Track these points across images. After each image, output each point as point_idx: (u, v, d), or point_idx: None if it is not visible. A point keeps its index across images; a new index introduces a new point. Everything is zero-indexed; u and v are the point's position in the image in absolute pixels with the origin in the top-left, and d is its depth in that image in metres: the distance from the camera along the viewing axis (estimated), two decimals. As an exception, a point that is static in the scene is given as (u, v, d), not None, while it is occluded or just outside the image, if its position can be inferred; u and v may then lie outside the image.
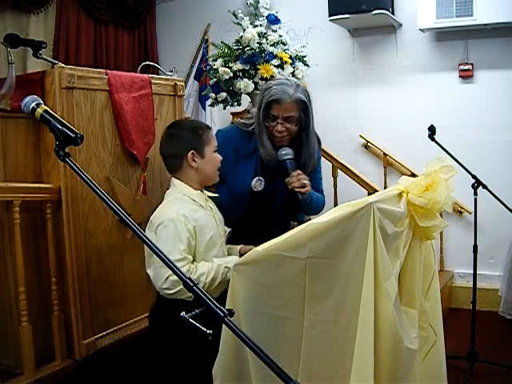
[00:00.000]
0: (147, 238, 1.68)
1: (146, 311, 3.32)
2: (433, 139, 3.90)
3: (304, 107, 2.76)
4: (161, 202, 2.63)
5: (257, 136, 2.81)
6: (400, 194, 2.50)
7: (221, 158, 2.65)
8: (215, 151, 2.61)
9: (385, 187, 5.62)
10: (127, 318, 3.24)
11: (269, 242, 2.48)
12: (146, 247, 2.50)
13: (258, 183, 2.84)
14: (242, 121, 2.99)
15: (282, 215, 2.95)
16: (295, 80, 2.85)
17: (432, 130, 3.91)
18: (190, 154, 2.54)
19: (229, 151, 2.80)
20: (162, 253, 1.65)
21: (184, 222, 2.46)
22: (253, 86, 4.79)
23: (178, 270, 1.61)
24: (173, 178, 2.64)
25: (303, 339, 2.41)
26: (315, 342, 2.40)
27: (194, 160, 2.54)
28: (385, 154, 6.03)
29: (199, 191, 2.64)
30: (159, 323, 2.61)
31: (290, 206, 2.90)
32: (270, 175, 2.84)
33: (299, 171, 2.72)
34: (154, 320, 2.69)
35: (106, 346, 3.08)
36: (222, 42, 4.96)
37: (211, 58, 5.14)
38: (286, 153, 2.75)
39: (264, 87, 2.79)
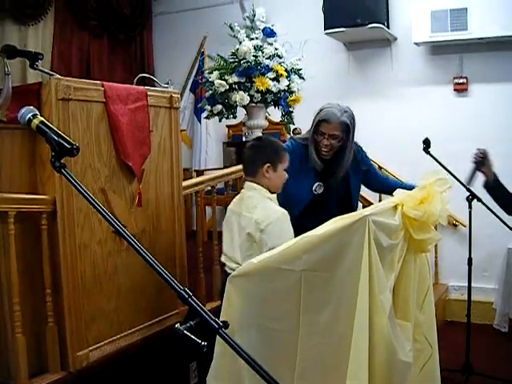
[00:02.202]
0: (142, 250, 1.67)
1: (140, 323, 3.32)
2: (427, 152, 3.92)
3: (346, 129, 3.29)
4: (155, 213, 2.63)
5: (309, 147, 3.39)
6: (395, 206, 2.51)
7: (287, 176, 3.06)
8: (285, 169, 3.03)
9: (380, 200, 5.62)
10: (121, 330, 3.22)
11: (264, 254, 2.48)
12: (224, 237, 3.07)
13: (318, 187, 3.44)
14: (299, 137, 3.60)
15: (333, 210, 3.34)
16: (346, 106, 3.34)
17: (427, 143, 3.92)
18: (266, 165, 2.96)
19: (294, 162, 3.24)
20: (157, 265, 1.64)
21: (288, 217, 2.89)
22: (248, 98, 4.81)
23: (174, 282, 1.61)
24: (250, 183, 3.02)
25: (298, 351, 2.41)
26: (310, 355, 2.40)
27: (267, 171, 2.97)
28: (380, 167, 6.04)
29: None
30: None
31: (340, 203, 3.50)
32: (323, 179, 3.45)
33: None
34: None
35: (99, 358, 3.06)
36: (217, 55, 4.97)
37: (207, 71, 5.16)
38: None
39: (319, 108, 3.33)
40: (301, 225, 2.93)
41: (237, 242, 2.95)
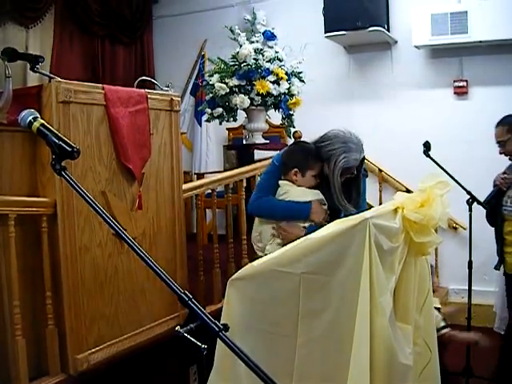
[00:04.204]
0: (142, 252, 1.67)
1: (140, 326, 3.32)
2: (428, 155, 3.92)
3: (362, 162, 3.23)
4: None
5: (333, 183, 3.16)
6: (395, 209, 2.50)
7: (318, 181, 3.15)
8: (314, 175, 3.13)
9: (380, 203, 5.63)
10: (122, 332, 3.22)
11: (265, 257, 2.48)
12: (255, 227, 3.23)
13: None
14: None
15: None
16: (355, 135, 3.18)
17: (427, 146, 3.92)
18: (294, 170, 3.13)
19: None
20: (157, 267, 1.64)
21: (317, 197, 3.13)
22: (249, 101, 4.81)
23: (174, 285, 1.61)
24: (284, 181, 3.19)
25: (296, 357, 2.40)
26: (308, 360, 2.39)
27: (295, 175, 3.14)
28: (380, 170, 6.05)
29: None
30: None
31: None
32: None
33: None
34: None
35: (100, 360, 3.06)
36: (218, 58, 4.98)
37: (207, 74, 5.17)
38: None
39: (340, 149, 3.08)
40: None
41: None
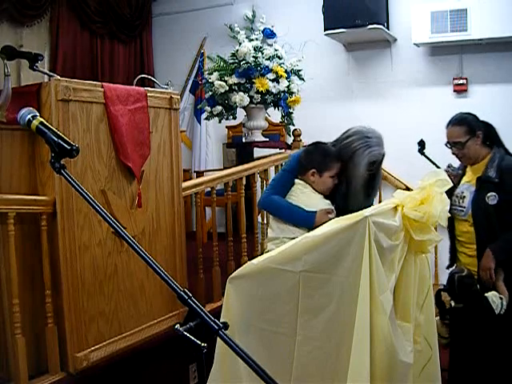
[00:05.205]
0: (142, 251, 1.67)
1: (139, 324, 3.32)
2: (422, 153, 3.91)
3: (383, 158, 3.24)
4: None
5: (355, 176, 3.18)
6: (395, 207, 2.51)
7: (336, 182, 3.14)
8: (332, 176, 3.12)
9: (379, 201, 5.62)
10: (121, 330, 3.22)
11: (264, 255, 2.48)
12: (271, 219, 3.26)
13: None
14: None
15: None
16: (380, 134, 3.27)
17: (422, 145, 3.91)
18: (312, 170, 3.11)
19: None
20: (157, 266, 1.64)
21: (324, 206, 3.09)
22: (248, 99, 4.81)
23: (174, 283, 1.60)
24: (300, 180, 3.17)
25: (295, 354, 2.40)
26: (308, 358, 2.39)
27: (312, 175, 3.12)
28: (379, 168, 6.04)
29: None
30: None
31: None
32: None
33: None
34: None
35: (99, 359, 3.06)
36: (217, 56, 4.98)
37: (207, 72, 5.16)
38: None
39: (366, 143, 3.13)
40: None
41: None
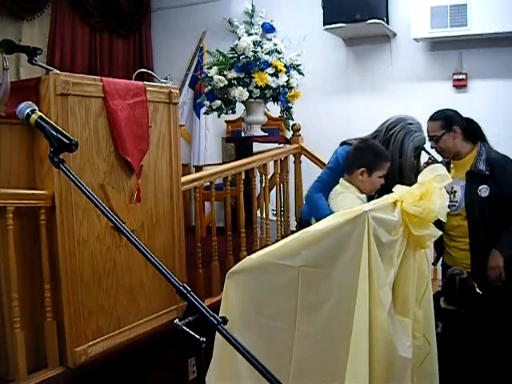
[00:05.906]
0: (141, 245, 1.67)
1: (139, 319, 3.32)
2: (422, 148, 3.91)
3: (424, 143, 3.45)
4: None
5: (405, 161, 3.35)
6: (394, 202, 2.50)
7: (382, 182, 3.14)
8: (380, 177, 3.13)
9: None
10: (120, 325, 3.22)
11: (263, 249, 2.48)
12: None
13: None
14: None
15: None
16: (418, 119, 3.47)
17: None
18: (361, 169, 3.09)
19: None
20: (156, 260, 1.64)
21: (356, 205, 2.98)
22: (247, 94, 4.81)
23: (173, 277, 1.60)
24: (344, 180, 3.18)
25: (294, 350, 2.40)
26: (306, 353, 2.39)
27: (362, 174, 3.10)
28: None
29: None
30: None
31: None
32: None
33: None
34: None
35: (98, 353, 3.07)
36: (216, 50, 4.97)
37: (206, 66, 5.16)
38: None
39: (411, 128, 3.39)
40: None
41: None
